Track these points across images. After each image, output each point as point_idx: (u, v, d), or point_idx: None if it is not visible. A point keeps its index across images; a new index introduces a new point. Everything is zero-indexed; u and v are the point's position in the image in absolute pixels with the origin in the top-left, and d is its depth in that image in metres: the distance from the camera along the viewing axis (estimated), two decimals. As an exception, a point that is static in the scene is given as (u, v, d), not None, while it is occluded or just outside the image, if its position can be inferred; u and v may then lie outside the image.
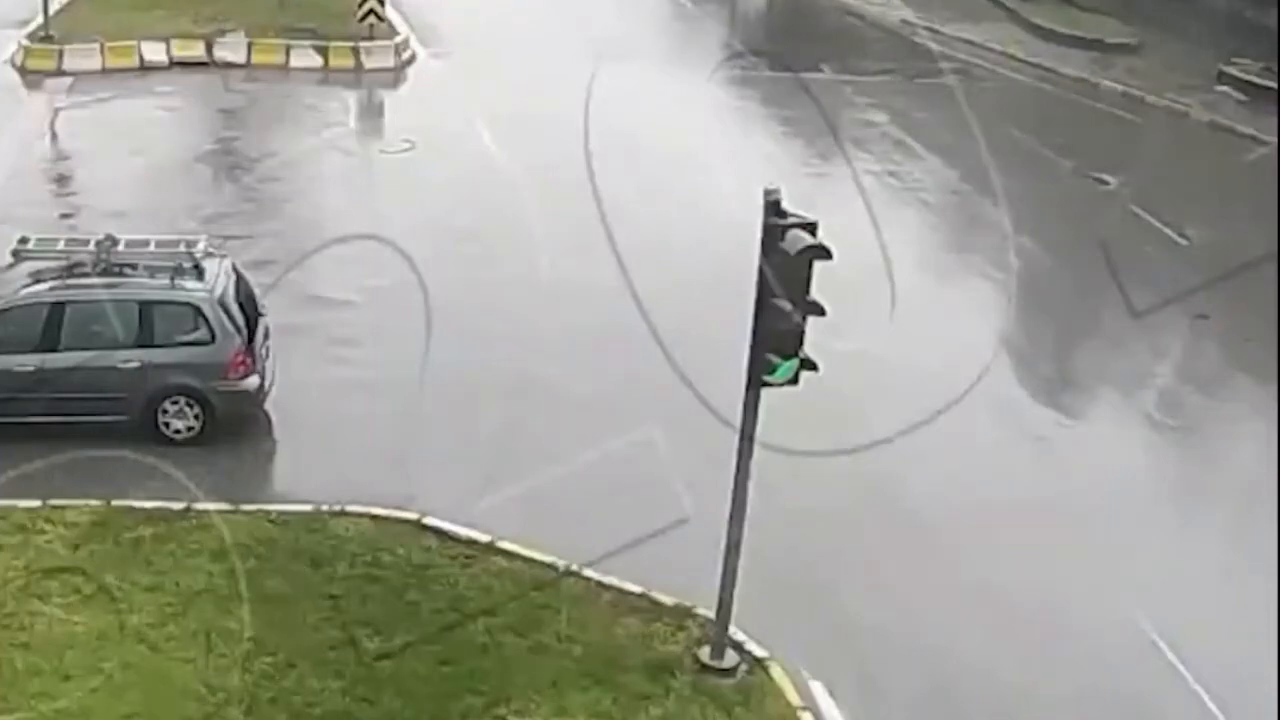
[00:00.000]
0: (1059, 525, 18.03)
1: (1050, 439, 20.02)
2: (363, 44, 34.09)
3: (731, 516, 14.36)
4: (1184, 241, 26.52)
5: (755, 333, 13.59)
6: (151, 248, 18.57)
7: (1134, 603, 16.44)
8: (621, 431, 18.04)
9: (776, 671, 14.78)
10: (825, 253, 13.18)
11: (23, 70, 32.17)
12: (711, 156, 28.67)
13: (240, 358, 18.08)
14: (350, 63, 33.88)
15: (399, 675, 14.17)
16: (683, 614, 15.39)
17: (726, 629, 14.73)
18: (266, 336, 18.92)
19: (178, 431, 18.13)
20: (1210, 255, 25.45)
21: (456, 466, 17.85)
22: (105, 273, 18.07)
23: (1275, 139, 31.93)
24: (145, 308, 18.01)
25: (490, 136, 28.87)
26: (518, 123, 29.36)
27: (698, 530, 15.53)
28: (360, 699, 13.90)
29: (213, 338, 18.02)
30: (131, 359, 17.92)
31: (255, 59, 33.34)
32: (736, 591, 14.53)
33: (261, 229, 24.39)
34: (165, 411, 18.04)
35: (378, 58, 34.09)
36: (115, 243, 18.36)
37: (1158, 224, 27.06)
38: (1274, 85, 34.61)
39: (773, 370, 13.56)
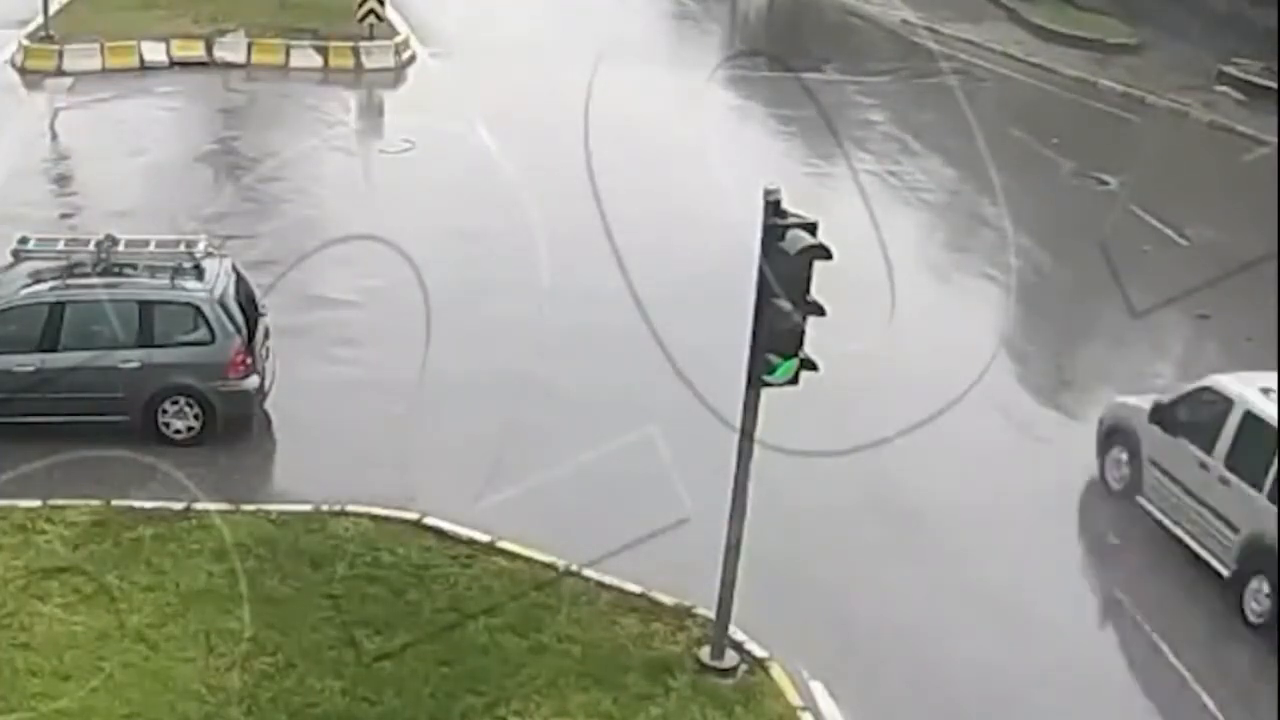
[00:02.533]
0: (1059, 524, 18.07)
1: (1050, 439, 20.01)
2: (363, 44, 34.09)
3: (731, 516, 14.36)
4: (1184, 241, 26.51)
5: (755, 332, 13.60)
6: (151, 248, 18.58)
7: (1134, 602, 16.49)
8: (621, 431, 18.03)
9: (776, 671, 14.79)
10: (825, 252, 13.20)
11: (23, 70, 32.14)
12: (712, 156, 28.64)
13: (240, 358, 18.08)
14: (350, 63, 33.87)
15: (399, 675, 14.18)
16: (683, 614, 15.40)
17: (726, 629, 14.73)
18: (266, 336, 18.93)
19: (178, 431, 18.13)
20: (1210, 255, 25.45)
21: (456, 466, 17.85)
22: (105, 273, 18.08)
23: (1275, 139, 31.93)
24: (145, 308, 18.02)
25: (490, 136, 28.86)
26: (517, 122, 29.34)
27: (698, 530, 15.53)
28: (360, 699, 13.90)
29: (213, 338, 18.03)
30: (131, 359, 17.93)
31: (255, 59, 33.32)
32: (736, 591, 14.54)
33: (261, 229, 24.38)
34: (165, 411, 18.05)
35: (378, 58, 34.08)
36: (115, 243, 18.36)
37: (1157, 224, 27.07)
38: (1274, 85, 34.60)
39: (772, 370, 13.57)
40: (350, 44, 34.01)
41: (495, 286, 22.64)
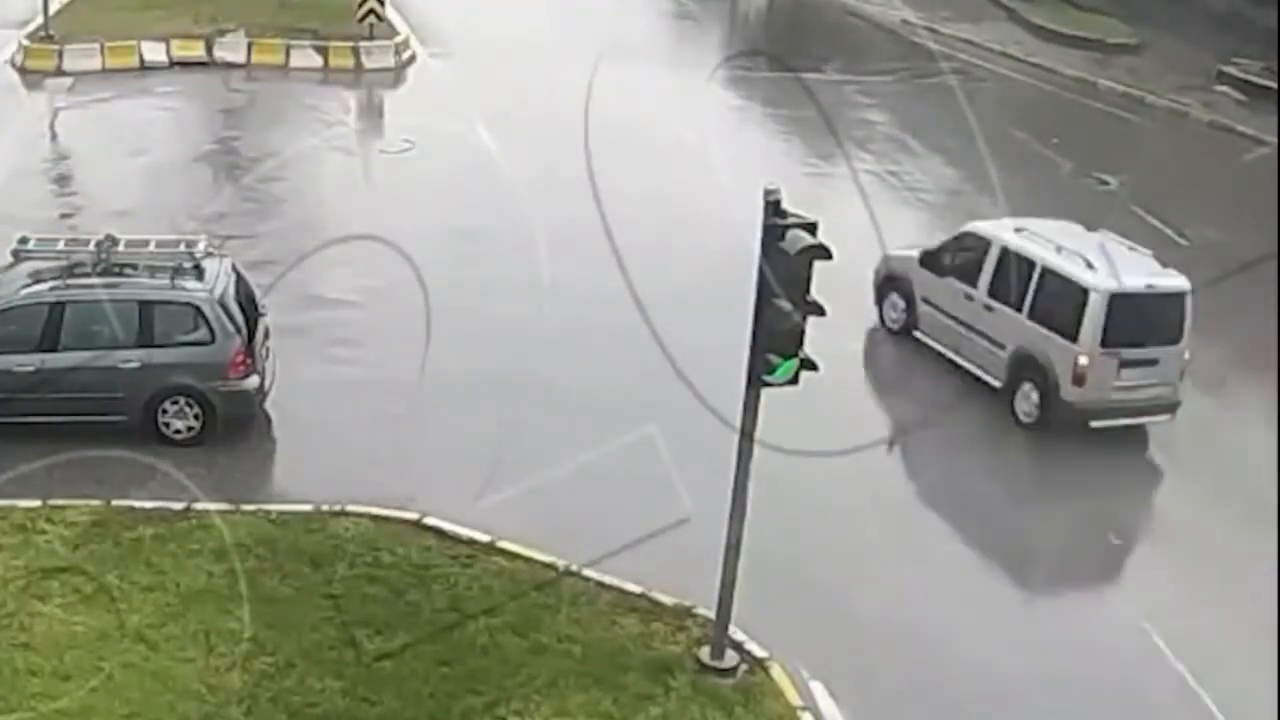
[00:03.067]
0: (1059, 522, 18.08)
1: (1049, 438, 20.03)
2: (363, 44, 34.09)
3: (731, 516, 14.36)
4: (1184, 241, 26.50)
5: (755, 332, 13.60)
6: (151, 248, 18.57)
7: (1132, 601, 16.50)
8: (621, 431, 18.03)
9: (776, 671, 14.79)
10: (825, 252, 13.20)
11: (23, 70, 32.12)
12: (712, 156, 28.62)
13: (240, 357, 18.08)
14: (350, 63, 33.87)
15: (399, 675, 14.18)
16: (683, 614, 15.40)
17: (726, 629, 14.73)
18: (266, 336, 18.92)
19: (178, 431, 18.13)
20: (1210, 255, 25.42)
21: (456, 466, 17.85)
22: (105, 273, 18.06)
23: (1275, 139, 31.94)
24: (145, 308, 18.01)
25: (490, 136, 28.85)
26: (517, 123, 29.34)
27: (698, 530, 15.53)
28: (360, 699, 13.90)
29: (213, 338, 18.02)
30: (131, 359, 17.92)
31: (255, 59, 33.31)
32: (736, 591, 14.54)
33: (261, 229, 24.38)
34: (165, 411, 18.04)
35: (377, 58, 34.08)
36: (115, 243, 18.35)
37: (1157, 224, 27.06)
38: (1274, 85, 34.62)
39: (772, 370, 13.57)
40: (350, 44, 34.00)
41: (495, 286, 22.62)
